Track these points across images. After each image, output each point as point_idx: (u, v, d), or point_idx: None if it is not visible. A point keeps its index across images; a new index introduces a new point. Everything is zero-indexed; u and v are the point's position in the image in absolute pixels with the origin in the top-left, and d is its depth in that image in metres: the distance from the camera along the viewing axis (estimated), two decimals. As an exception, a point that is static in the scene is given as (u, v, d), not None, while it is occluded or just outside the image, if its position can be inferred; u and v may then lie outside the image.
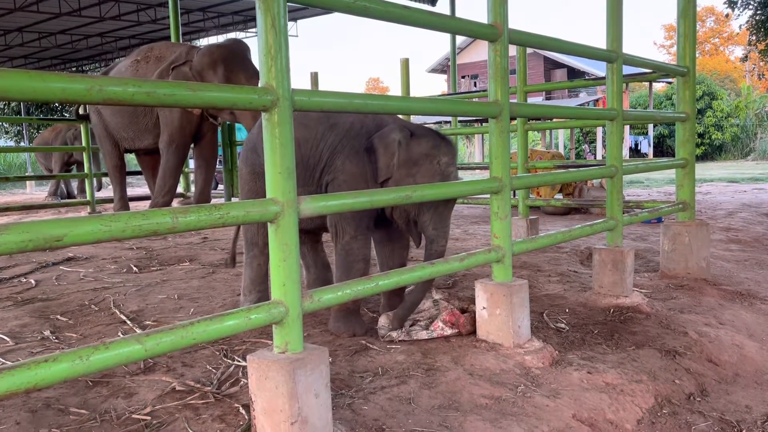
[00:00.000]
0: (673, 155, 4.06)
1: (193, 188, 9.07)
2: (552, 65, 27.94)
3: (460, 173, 2.78)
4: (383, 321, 2.65)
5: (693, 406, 2.26)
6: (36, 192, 14.88)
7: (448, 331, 2.59)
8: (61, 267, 4.43)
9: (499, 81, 2.43)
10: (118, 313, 3.13)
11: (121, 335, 2.74)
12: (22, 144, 23.89)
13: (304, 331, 1.78)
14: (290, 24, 16.94)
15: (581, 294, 3.34)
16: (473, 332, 2.59)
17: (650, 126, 19.48)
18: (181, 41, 11.04)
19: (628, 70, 3.82)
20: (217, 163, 7.34)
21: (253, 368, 1.71)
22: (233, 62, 5.94)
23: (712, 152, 24.68)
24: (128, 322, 2.98)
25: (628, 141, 19.86)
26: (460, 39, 20.56)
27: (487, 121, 2.55)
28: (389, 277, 2.09)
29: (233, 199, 7.53)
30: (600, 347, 2.59)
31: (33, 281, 3.97)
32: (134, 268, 4.30)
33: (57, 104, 20.99)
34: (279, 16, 1.63)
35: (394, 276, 2.11)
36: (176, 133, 6.29)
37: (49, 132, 11.35)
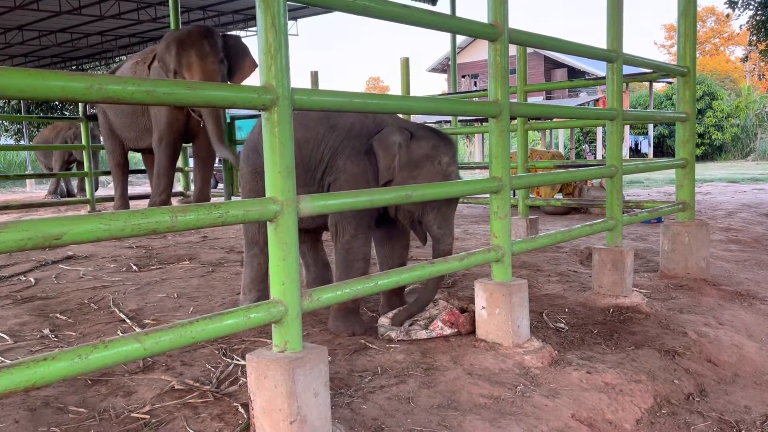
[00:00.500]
0: (673, 155, 4.06)
1: (192, 187, 9.08)
2: (552, 65, 27.94)
3: (461, 173, 2.78)
4: (383, 321, 2.65)
5: (692, 407, 2.26)
6: (36, 190, 14.89)
7: (448, 331, 2.59)
8: (60, 265, 4.43)
9: (499, 80, 2.43)
10: (117, 311, 3.13)
11: (120, 334, 2.74)
12: (21, 142, 23.89)
13: (304, 330, 1.78)
14: (290, 23, 16.94)
15: (581, 294, 3.34)
16: (473, 332, 2.59)
17: (650, 126, 19.49)
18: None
19: (628, 69, 3.81)
20: (216, 161, 7.33)
21: (252, 367, 1.70)
22: (186, 42, 5.96)
23: (712, 152, 24.68)
24: (127, 320, 2.98)
25: (628, 141, 19.87)
26: (460, 38, 20.55)
27: (487, 121, 2.55)
28: (389, 277, 2.09)
29: (233, 198, 7.53)
30: (599, 347, 2.59)
31: (32, 279, 3.97)
32: (134, 267, 4.30)
33: (57, 103, 21.00)
34: (279, 15, 1.62)
35: (393, 275, 2.11)
36: (164, 131, 6.31)
37: (49, 130, 11.34)
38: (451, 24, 2.66)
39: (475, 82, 29.30)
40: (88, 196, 7.65)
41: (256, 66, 6.15)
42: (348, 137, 2.66)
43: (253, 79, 8.33)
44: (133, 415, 1.93)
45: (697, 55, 4.02)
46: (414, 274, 2.19)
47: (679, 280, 3.70)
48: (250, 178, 2.88)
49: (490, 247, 2.52)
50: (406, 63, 6.26)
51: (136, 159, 17.42)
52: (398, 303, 2.84)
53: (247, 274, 2.96)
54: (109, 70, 8.09)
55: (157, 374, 2.25)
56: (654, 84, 17.02)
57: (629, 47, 3.04)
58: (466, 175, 12.03)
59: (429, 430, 1.83)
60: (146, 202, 7.48)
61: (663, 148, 23.81)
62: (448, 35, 15.69)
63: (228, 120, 7.64)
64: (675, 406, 2.24)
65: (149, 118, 6.48)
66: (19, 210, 7.95)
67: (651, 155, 18.21)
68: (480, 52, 26.84)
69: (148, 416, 1.91)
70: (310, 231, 3.00)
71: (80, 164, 10.53)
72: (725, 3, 10.81)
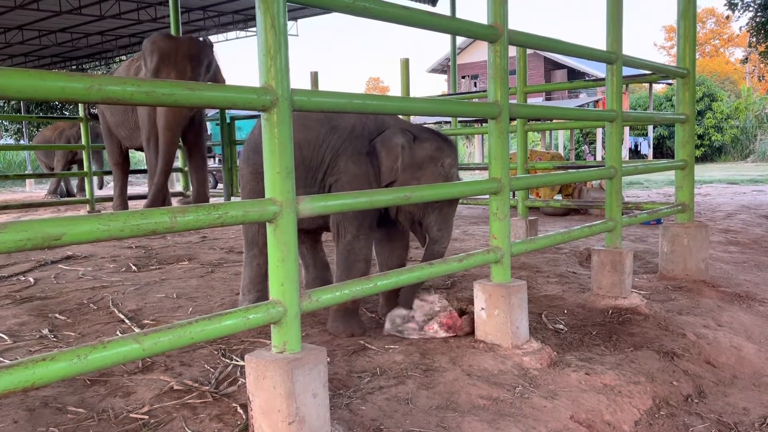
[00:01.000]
0: (673, 156, 4.07)
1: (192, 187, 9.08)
2: (552, 66, 27.94)
3: (460, 173, 2.79)
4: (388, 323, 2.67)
5: (691, 408, 2.26)
6: (35, 190, 14.88)
7: (442, 334, 2.59)
8: (59, 265, 4.43)
9: (498, 82, 2.43)
10: (116, 311, 3.13)
11: (120, 334, 2.74)
12: (21, 142, 23.87)
13: (303, 330, 1.78)
14: (290, 23, 16.95)
15: (580, 295, 3.35)
16: (471, 333, 2.59)
17: (650, 127, 19.50)
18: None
19: (628, 71, 3.82)
20: (213, 161, 7.33)
21: (251, 368, 1.71)
22: (169, 58, 5.96)
23: (711, 154, 24.68)
24: (126, 321, 2.98)
25: (628, 142, 19.86)
26: (460, 39, 20.56)
27: (486, 122, 2.55)
28: (388, 278, 2.09)
29: (233, 199, 7.53)
30: (598, 348, 2.59)
31: (32, 279, 3.97)
32: (133, 267, 4.30)
33: (57, 102, 20.97)
34: (278, 15, 1.63)
35: (392, 276, 2.11)
36: (150, 131, 6.28)
37: (50, 130, 11.33)
38: (451, 25, 2.67)
39: (475, 83, 29.30)
40: (87, 196, 7.65)
41: None
42: (349, 138, 2.67)
43: (253, 80, 8.32)
44: (131, 415, 1.93)
45: (697, 57, 4.02)
46: (413, 275, 2.19)
47: (678, 281, 3.71)
48: (251, 178, 2.87)
49: (489, 248, 2.52)
50: (406, 64, 6.26)
51: (137, 158, 17.43)
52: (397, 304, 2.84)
53: (246, 275, 2.96)
54: (109, 71, 8.09)
55: (156, 375, 2.25)
56: (654, 85, 17.02)
57: (629, 48, 3.04)
58: (465, 176, 12.03)
59: (427, 431, 1.84)
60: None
61: (662, 149, 23.81)
62: (448, 36, 15.70)
63: (228, 120, 7.64)
64: (674, 407, 2.24)
65: (137, 116, 6.48)
66: (19, 210, 7.95)
67: (650, 156, 18.22)
68: (480, 52, 26.85)
69: (146, 417, 1.91)
70: (311, 232, 3.00)
71: (82, 164, 10.53)
72: (725, 4, 10.81)
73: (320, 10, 14.12)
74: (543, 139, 16.56)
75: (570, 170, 5.88)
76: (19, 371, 1.25)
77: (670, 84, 18.54)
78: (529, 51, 5.98)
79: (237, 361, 2.34)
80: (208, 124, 13.50)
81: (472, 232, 5.89)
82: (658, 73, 4.61)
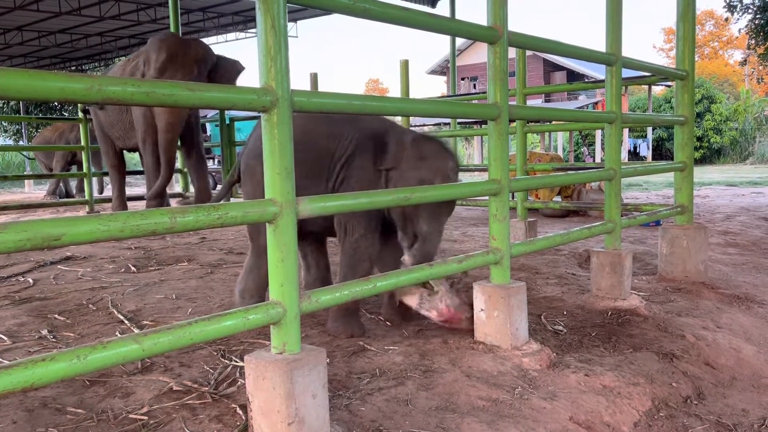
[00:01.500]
0: (672, 158, 4.07)
1: (192, 188, 9.07)
2: (551, 67, 27.96)
3: (460, 175, 2.79)
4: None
5: (690, 410, 2.26)
6: (34, 191, 14.87)
7: (437, 320, 2.60)
8: (59, 266, 4.42)
9: (498, 83, 2.44)
10: (115, 312, 3.13)
11: (119, 335, 2.74)
12: (20, 143, 23.86)
13: (302, 331, 1.78)
14: (290, 25, 16.96)
15: (579, 296, 3.35)
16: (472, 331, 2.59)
17: (649, 129, 19.50)
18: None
19: (627, 73, 3.83)
20: (213, 162, 7.32)
21: (250, 369, 1.71)
22: (177, 58, 5.97)
23: (710, 156, 24.70)
24: (126, 321, 2.97)
25: (627, 144, 19.89)
26: (459, 41, 20.58)
27: (486, 123, 2.56)
28: (387, 279, 2.09)
29: (232, 200, 7.53)
30: (597, 350, 2.59)
31: (31, 280, 3.97)
32: (132, 268, 4.29)
33: (56, 103, 20.97)
34: (279, 16, 1.63)
35: (392, 277, 2.11)
36: (145, 131, 6.25)
37: (50, 131, 11.33)
38: (451, 27, 2.68)
39: (474, 85, 29.31)
40: (87, 197, 7.64)
41: None
42: (368, 137, 2.70)
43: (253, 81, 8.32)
44: (131, 416, 1.92)
45: (696, 59, 4.03)
46: (412, 276, 2.19)
47: (677, 283, 3.71)
48: (256, 193, 2.75)
49: (488, 250, 2.52)
50: (405, 65, 6.27)
51: (136, 159, 17.41)
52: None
53: (251, 279, 2.90)
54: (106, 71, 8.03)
55: (156, 375, 2.25)
56: (653, 87, 17.03)
57: (628, 50, 3.05)
58: (465, 177, 12.02)
59: (427, 432, 1.84)
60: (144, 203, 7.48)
61: (662, 151, 23.83)
62: (447, 37, 15.72)
63: (228, 122, 7.64)
64: (673, 409, 2.24)
65: (131, 116, 6.44)
66: (18, 210, 7.94)
67: (650, 158, 18.23)
68: (479, 54, 26.86)
69: (146, 417, 1.91)
70: (316, 233, 2.99)
71: (81, 165, 10.52)
72: (724, 7, 10.82)
73: (320, 11, 14.15)
74: (542, 141, 16.56)
75: (569, 172, 5.88)
76: (18, 371, 1.25)
77: (669, 86, 18.56)
78: (528, 53, 5.99)
79: (236, 361, 2.34)
80: (208, 126, 13.50)
81: (471, 234, 5.89)
82: (658, 75, 4.61)
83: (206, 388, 2.11)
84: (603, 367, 2.37)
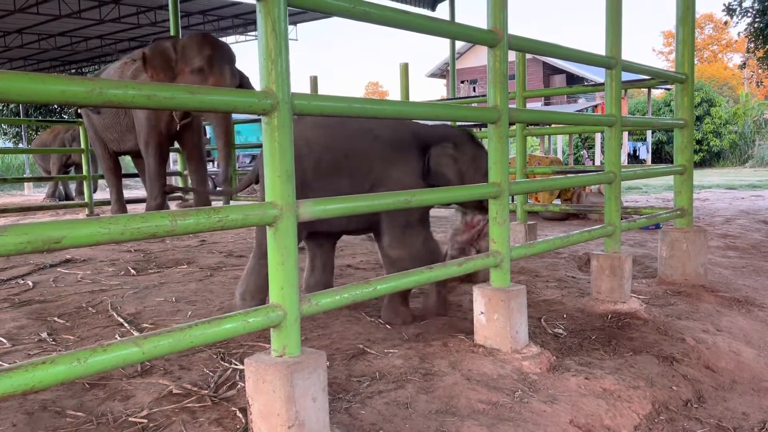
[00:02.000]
0: (672, 161, 4.07)
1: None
2: (551, 70, 28.02)
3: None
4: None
5: (690, 413, 2.26)
6: (34, 193, 14.88)
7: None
8: (58, 269, 4.42)
9: (498, 86, 2.44)
10: (115, 315, 3.13)
11: (119, 338, 2.74)
12: (20, 146, 23.87)
13: (302, 334, 1.78)
14: (290, 27, 16.97)
15: (579, 300, 3.35)
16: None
17: (649, 132, 19.52)
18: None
19: (627, 76, 3.83)
20: (212, 165, 7.30)
21: (250, 372, 1.70)
22: (222, 54, 5.90)
23: (710, 159, 24.73)
24: (125, 324, 2.97)
25: (627, 147, 19.86)
26: (459, 44, 20.61)
27: (486, 126, 2.56)
28: (387, 282, 2.09)
29: (232, 202, 7.52)
30: (597, 353, 2.59)
31: (30, 283, 3.97)
32: (132, 271, 4.29)
33: (56, 106, 21.00)
34: (279, 20, 1.63)
35: (392, 280, 2.11)
36: (148, 134, 6.22)
37: (47, 134, 11.34)
38: (451, 30, 2.68)
39: (474, 88, 29.36)
40: (86, 200, 7.63)
41: None
42: (393, 148, 2.82)
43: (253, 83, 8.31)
44: (130, 419, 1.92)
45: (696, 62, 4.03)
46: (412, 279, 2.19)
47: (677, 286, 3.71)
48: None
49: (488, 253, 2.52)
50: (405, 68, 6.28)
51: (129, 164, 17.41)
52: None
53: (252, 281, 2.89)
54: (95, 74, 7.93)
55: (155, 378, 2.25)
56: (652, 90, 17.05)
57: (627, 53, 3.05)
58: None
59: (427, 436, 1.83)
60: (143, 206, 7.47)
61: (661, 154, 23.85)
62: (446, 41, 15.74)
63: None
64: (673, 412, 2.24)
65: (129, 118, 6.38)
66: (17, 213, 7.95)
67: (649, 161, 18.22)
68: (479, 57, 26.92)
69: (145, 420, 1.91)
70: (333, 234, 3.10)
71: (78, 167, 10.52)
72: (723, 10, 10.84)
73: (320, 14, 14.16)
74: (542, 144, 16.57)
75: (569, 175, 5.88)
76: (18, 374, 1.25)
77: (668, 89, 18.56)
78: (528, 55, 6.00)
79: (236, 364, 2.34)
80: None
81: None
82: (657, 78, 4.61)
83: (206, 391, 2.11)
84: (603, 371, 2.37)
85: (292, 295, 1.70)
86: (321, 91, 9.20)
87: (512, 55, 3.19)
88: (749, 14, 10.63)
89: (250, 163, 14.65)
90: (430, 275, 2.26)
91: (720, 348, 2.76)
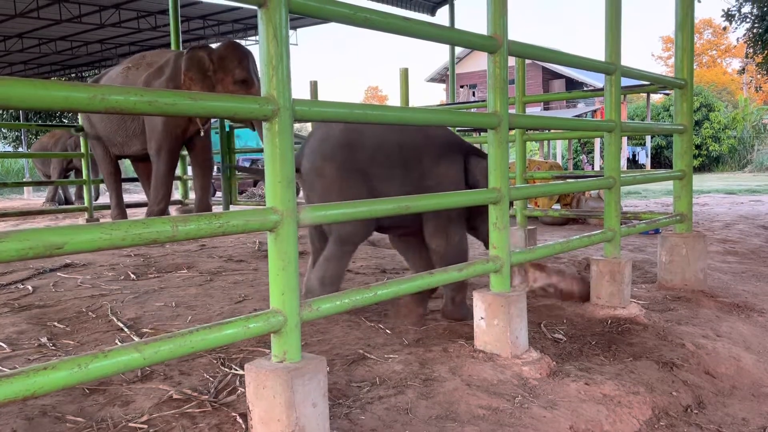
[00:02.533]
0: (671, 166, 4.08)
1: (191, 195, 9.05)
2: (550, 75, 28.07)
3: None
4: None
5: (690, 419, 2.26)
6: (33, 198, 14.88)
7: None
8: (58, 273, 4.42)
9: (498, 92, 2.45)
10: (115, 320, 3.13)
11: (119, 343, 2.74)
12: (20, 150, 23.89)
13: (302, 339, 1.78)
14: (290, 32, 17.02)
15: (579, 305, 3.35)
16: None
17: (647, 137, 19.54)
18: (181, 48, 11.07)
19: (626, 81, 3.84)
20: (215, 169, 7.28)
21: (250, 377, 1.70)
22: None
23: (709, 163, 24.77)
24: (125, 329, 2.97)
25: (626, 152, 19.90)
26: (458, 49, 20.66)
27: (485, 131, 2.57)
28: (388, 287, 2.09)
29: (231, 207, 7.53)
30: (597, 358, 2.59)
31: (30, 288, 3.97)
32: (132, 275, 4.29)
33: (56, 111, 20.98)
34: (280, 26, 1.64)
35: (392, 286, 2.11)
36: (163, 138, 6.21)
37: (47, 138, 11.35)
38: (452, 36, 2.69)
39: (474, 92, 29.40)
40: (86, 204, 7.63)
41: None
42: (443, 147, 2.99)
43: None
44: (130, 424, 1.92)
45: (695, 67, 4.04)
46: (414, 284, 2.19)
47: (676, 291, 3.71)
48: (338, 176, 2.87)
49: (488, 258, 2.53)
50: (405, 74, 6.29)
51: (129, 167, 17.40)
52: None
53: (331, 267, 2.97)
54: (92, 79, 7.90)
55: (155, 383, 2.25)
56: (651, 95, 17.08)
57: (626, 59, 3.06)
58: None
59: (427, 441, 1.83)
60: (144, 210, 7.47)
61: (660, 159, 23.88)
62: (446, 46, 15.78)
63: (227, 129, 7.64)
64: (673, 418, 2.24)
65: (138, 123, 6.34)
66: (17, 217, 7.94)
67: (648, 166, 18.23)
68: (478, 62, 26.96)
69: (146, 426, 1.90)
70: (392, 229, 3.19)
71: (79, 172, 10.52)
72: (722, 16, 10.87)
73: (321, 19, 14.21)
74: (541, 149, 16.59)
75: (568, 180, 5.89)
76: (20, 380, 1.25)
77: (667, 94, 18.61)
78: (527, 60, 6.01)
79: (236, 370, 2.34)
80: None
81: (471, 241, 5.88)
82: (657, 84, 4.63)
83: (206, 397, 2.10)
84: (603, 376, 2.37)
85: (292, 301, 1.70)
86: (321, 96, 9.22)
87: (511, 60, 3.21)
88: (748, 20, 10.65)
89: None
90: (430, 280, 2.26)
91: (720, 353, 2.76)
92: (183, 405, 2.05)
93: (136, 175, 7.77)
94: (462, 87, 28.99)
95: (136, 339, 2.77)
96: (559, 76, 27.76)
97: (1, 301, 3.63)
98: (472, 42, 2.46)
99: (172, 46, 10.35)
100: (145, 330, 2.96)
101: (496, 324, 2.47)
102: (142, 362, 1.43)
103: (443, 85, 31.81)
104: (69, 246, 1.31)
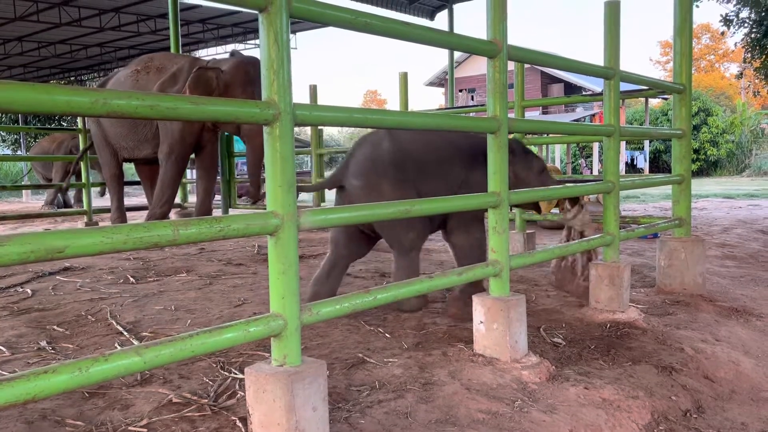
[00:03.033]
0: (669, 170, 4.09)
1: (190, 198, 9.06)
2: (549, 80, 28.13)
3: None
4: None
5: (689, 423, 2.26)
6: (32, 201, 14.87)
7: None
8: (57, 277, 4.42)
9: (497, 97, 2.46)
10: (114, 324, 3.13)
11: (118, 346, 2.74)
12: (19, 153, 23.88)
13: (302, 343, 1.78)
14: (290, 37, 17.05)
15: (578, 309, 3.35)
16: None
17: (646, 141, 19.59)
18: (180, 52, 11.09)
19: (625, 86, 3.85)
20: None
21: (250, 381, 1.71)
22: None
23: (707, 168, 24.81)
24: (125, 333, 2.97)
25: (624, 156, 19.95)
26: (457, 53, 20.70)
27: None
28: (387, 291, 2.09)
29: (231, 211, 7.53)
30: (596, 362, 2.59)
31: (29, 291, 3.96)
32: (131, 279, 4.29)
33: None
34: (281, 31, 1.64)
35: (392, 289, 2.12)
36: (176, 143, 6.23)
37: (48, 141, 11.34)
38: (452, 41, 2.70)
39: (472, 96, 29.45)
40: (85, 207, 7.63)
41: None
42: (475, 156, 3.10)
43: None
44: (130, 428, 1.92)
45: (693, 72, 4.05)
46: (413, 288, 2.20)
47: (675, 295, 3.72)
48: (398, 191, 3.03)
49: (488, 262, 2.53)
50: (404, 78, 6.31)
51: (128, 171, 17.42)
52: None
53: (403, 275, 3.08)
54: (99, 82, 7.92)
55: (155, 387, 2.25)
56: (650, 99, 17.13)
57: (625, 63, 3.08)
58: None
59: (427, 445, 1.83)
60: (144, 213, 7.47)
61: (659, 163, 23.92)
62: (445, 50, 15.81)
63: (227, 133, 7.64)
64: (672, 422, 2.25)
65: (150, 128, 6.37)
66: (16, 221, 7.93)
67: (647, 170, 18.31)
68: (477, 66, 27.02)
69: (145, 430, 1.90)
70: (374, 239, 3.32)
71: (79, 175, 10.50)
72: (720, 21, 10.90)
73: (321, 24, 14.24)
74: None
75: (567, 184, 5.89)
76: (20, 384, 1.25)
77: (666, 99, 18.65)
78: (526, 65, 6.03)
79: (236, 374, 2.34)
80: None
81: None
82: (655, 88, 4.64)
83: (206, 401, 2.10)
84: (602, 380, 2.37)
85: (292, 305, 1.70)
86: (320, 100, 9.23)
87: (511, 65, 3.22)
88: (746, 25, 10.68)
89: None
90: (429, 284, 2.27)
91: (719, 358, 2.76)
92: (183, 409, 2.05)
93: (135, 179, 7.78)
94: (461, 91, 29.03)
95: (136, 343, 2.77)
96: (557, 80, 27.83)
97: (0, 304, 3.63)
98: (472, 47, 2.47)
99: (172, 50, 10.36)
100: (144, 334, 2.96)
101: (496, 328, 2.48)
102: (142, 366, 1.44)
103: (442, 89, 31.87)
104: (70, 249, 1.32)
